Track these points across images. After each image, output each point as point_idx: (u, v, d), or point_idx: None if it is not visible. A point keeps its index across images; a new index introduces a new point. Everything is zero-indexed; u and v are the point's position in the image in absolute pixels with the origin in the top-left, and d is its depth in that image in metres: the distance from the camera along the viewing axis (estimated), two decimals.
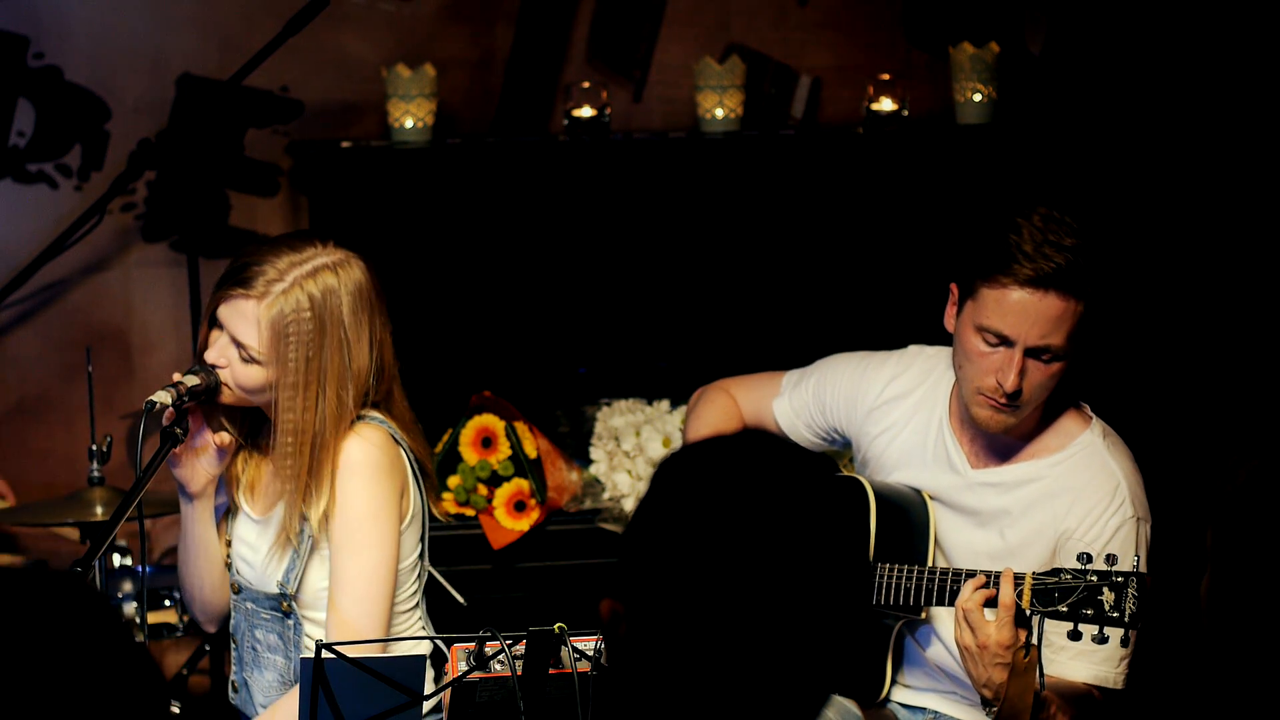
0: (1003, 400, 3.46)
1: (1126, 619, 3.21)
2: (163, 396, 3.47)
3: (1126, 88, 5.18)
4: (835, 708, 3.63)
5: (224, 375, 3.54)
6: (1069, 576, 3.25)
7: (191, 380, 3.50)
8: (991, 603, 3.30)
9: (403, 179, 4.96)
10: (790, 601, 1.94)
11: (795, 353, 4.06)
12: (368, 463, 3.49)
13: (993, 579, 3.32)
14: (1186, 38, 5.18)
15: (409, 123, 4.96)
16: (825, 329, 4.77)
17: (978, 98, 5.07)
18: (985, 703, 3.35)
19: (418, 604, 3.65)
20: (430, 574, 3.64)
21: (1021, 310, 3.42)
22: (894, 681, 3.72)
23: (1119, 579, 3.21)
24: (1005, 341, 3.44)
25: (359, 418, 3.52)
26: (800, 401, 3.85)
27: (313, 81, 5.20)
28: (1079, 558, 3.26)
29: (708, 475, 1.99)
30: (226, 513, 3.69)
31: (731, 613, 1.93)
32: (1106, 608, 3.21)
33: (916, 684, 3.72)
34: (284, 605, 3.58)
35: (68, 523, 4.29)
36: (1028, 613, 3.26)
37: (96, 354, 4.71)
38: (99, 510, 4.16)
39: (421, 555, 3.63)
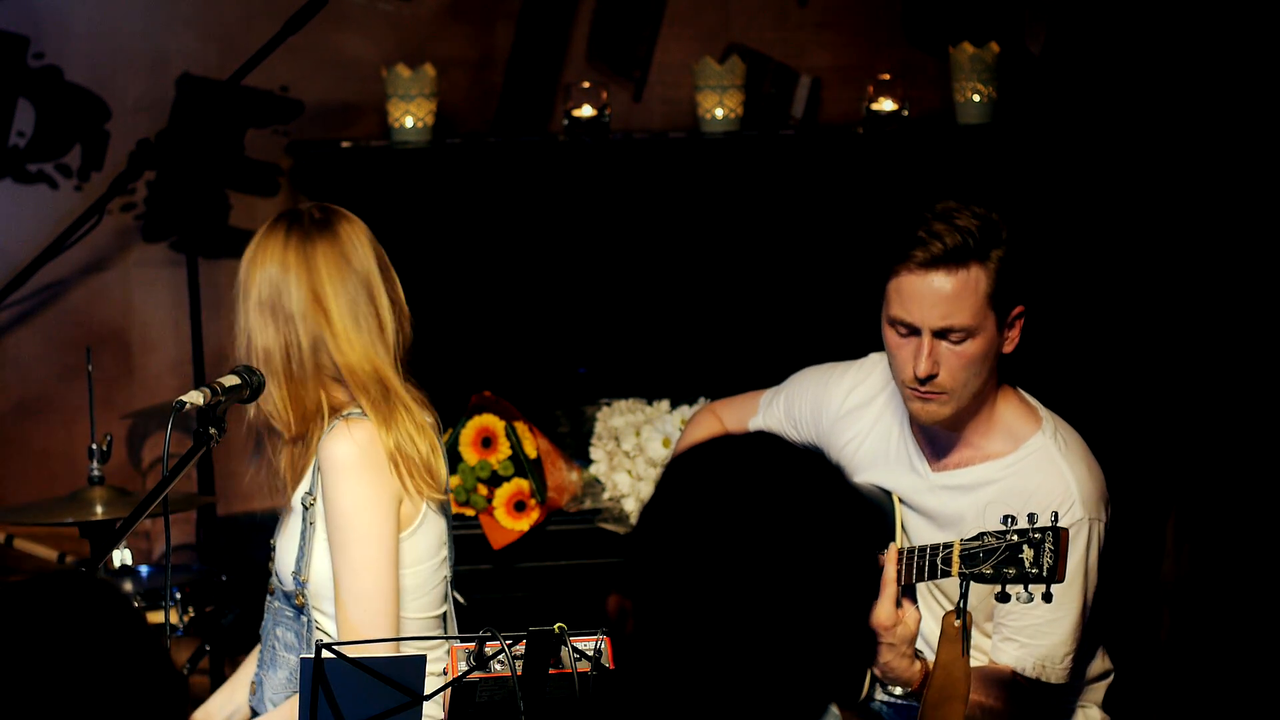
0: (922, 388, 3.49)
1: (1045, 574, 3.23)
2: (194, 397, 3.28)
3: (1126, 88, 5.18)
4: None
5: None
6: (992, 539, 3.28)
7: (230, 380, 3.35)
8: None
9: (403, 179, 4.96)
10: (798, 599, 1.94)
11: (794, 353, 4.06)
12: (351, 460, 3.42)
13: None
14: (1186, 38, 5.17)
15: (409, 123, 4.96)
16: (825, 329, 4.77)
17: (978, 98, 5.07)
18: (883, 684, 3.38)
19: (442, 615, 3.57)
20: None
21: (918, 295, 3.46)
22: (874, 680, 3.73)
23: (1036, 535, 3.24)
24: (913, 330, 3.48)
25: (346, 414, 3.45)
26: (774, 419, 3.89)
27: (313, 81, 5.20)
28: (1003, 520, 3.28)
29: (718, 473, 1.99)
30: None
31: (740, 611, 1.93)
32: (1026, 565, 3.24)
33: None
34: (298, 599, 3.51)
35: (68, 522, 4.28)
36: (956, 578, 3.28)
37: (96, 354, 4.71)
38: (99, 510, 4.16)
39: (444, 561, 3.56)
